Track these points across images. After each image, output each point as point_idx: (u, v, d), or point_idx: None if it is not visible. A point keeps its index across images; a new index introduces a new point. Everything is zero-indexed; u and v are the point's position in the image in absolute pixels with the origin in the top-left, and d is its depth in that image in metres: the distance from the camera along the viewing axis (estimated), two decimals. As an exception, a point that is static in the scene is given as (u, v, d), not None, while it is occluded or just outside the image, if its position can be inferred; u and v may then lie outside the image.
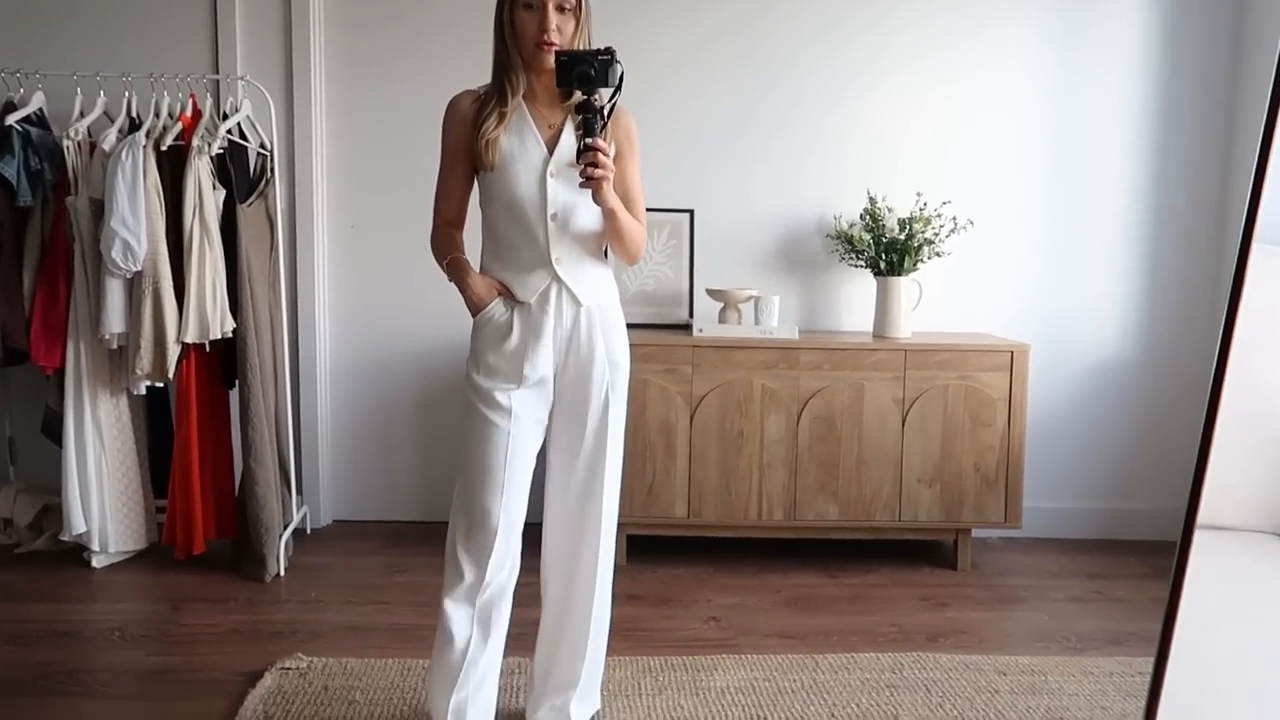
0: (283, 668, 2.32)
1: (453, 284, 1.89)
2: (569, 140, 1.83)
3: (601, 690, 2.12)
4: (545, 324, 1.84)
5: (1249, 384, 1.75)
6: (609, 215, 1.82)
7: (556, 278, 1.84)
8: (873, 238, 3.29)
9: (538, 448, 1.90)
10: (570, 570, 1.96)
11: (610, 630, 2.04)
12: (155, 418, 3.18)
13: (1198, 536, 1.61)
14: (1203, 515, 1.66)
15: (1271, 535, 1.73)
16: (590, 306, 1.88)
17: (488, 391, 1.84)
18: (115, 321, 2.84)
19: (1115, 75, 3.47)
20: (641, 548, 3.21)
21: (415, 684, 2.28)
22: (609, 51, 1.73)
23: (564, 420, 1.91)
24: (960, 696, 2.32)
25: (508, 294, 1.86)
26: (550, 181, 1.81)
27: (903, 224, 3.27)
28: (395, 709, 2.17)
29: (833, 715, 2.22)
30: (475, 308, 1.87)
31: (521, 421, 1.84)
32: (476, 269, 1.90)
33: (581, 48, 1.79)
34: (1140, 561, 3.34)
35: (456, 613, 1.83)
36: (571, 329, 1.86)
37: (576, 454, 1.91)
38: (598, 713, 2.11)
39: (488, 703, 1.89)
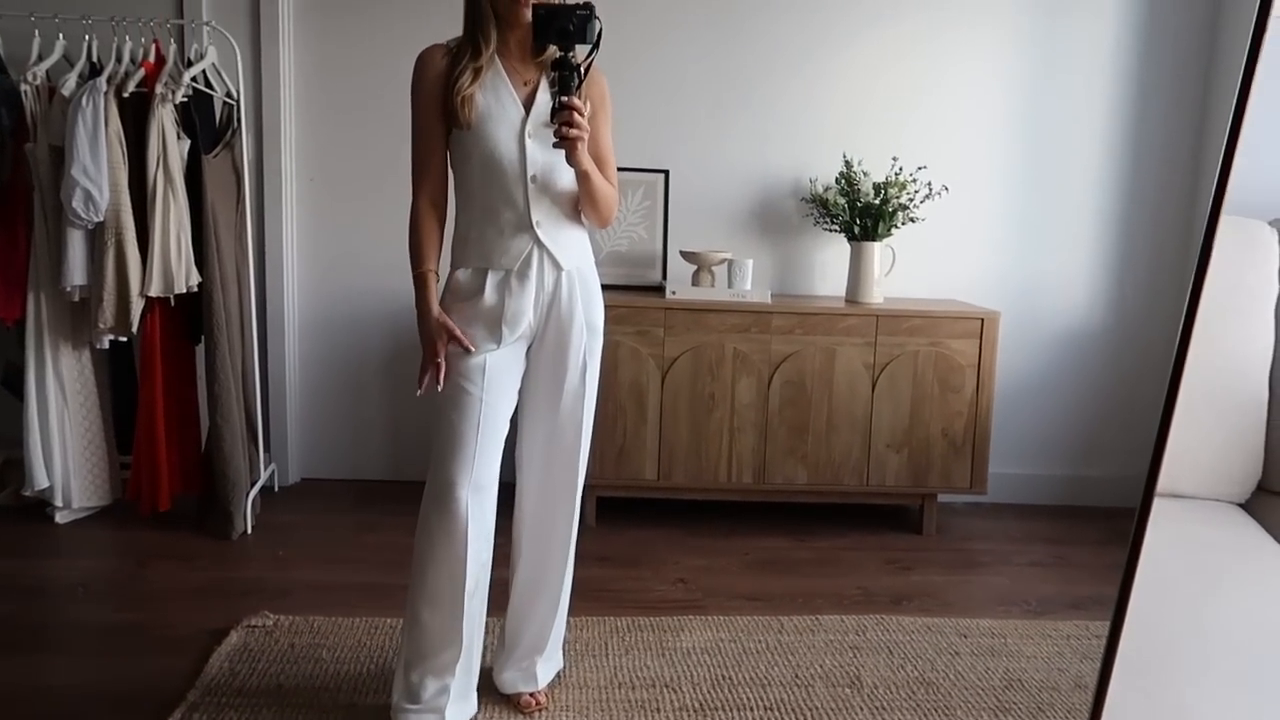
0: (249, 625, 2.31)
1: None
2: (544, 98, 1.79)
3: (564, 648, 2.14)
4: (527, 289, 1.81)
5: (1214, 355, 1.78)
6: (582, 177, 1.79)
7: (538, 241, 1.80)
8: (848, 202, 3.29)
9: (510, 412, 1.87)
10: (546, 536, 1.96)
11: (577, 591, 2.06)
12: (119, 373, 3.12)
13: (1157, 504, 1.64)
14: (1163, 483, 1.68)
15: (1228, 504, 1.77)
16: (570, 271, 1.85)
17: (461, 356, 1.80)
18: (77, 273, 2.78)
19: (1091, 43, 3.47)
20: (611, 509, 3.22)
21: (383, 643, 2.28)
22: (588, 7, 1.69)
23: (541, 385, 1.89)
24: (921, 658, 2.36)
25: (460, 343, 1.78)
26: (529, 141, 1.77)
27: (878, 189, 3.26)
28: (363, 667, 2.17)
29: (796, 676, 2.25)
30: (428, 351, 1.80)
31: (495, 386, 1.81)
32: (451, 229, 1.85)
33: (559, 2, 1.73)
34: (1101, 528, 3.40)
35: (436, 580, 1.80)
36: (553, 293, 1.84)
37: (554, 419, 1.90)
38: (560, 671, 2.14)
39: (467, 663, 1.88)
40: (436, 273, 1.83)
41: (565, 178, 1.82)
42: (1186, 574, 1.55)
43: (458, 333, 1.79)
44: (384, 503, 3.30)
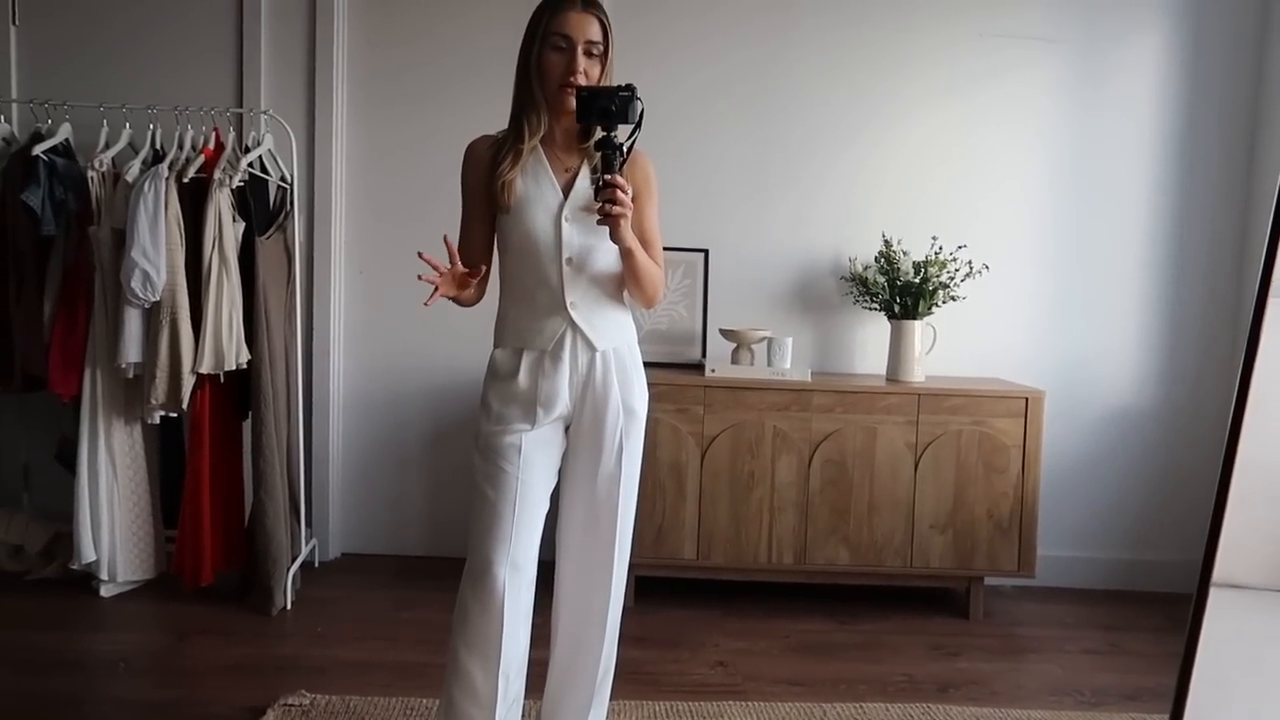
0: (285, 704, 2.30)
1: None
2: (584, 184, 1.83)
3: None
4: (560, 370, 1.83)
5: (1267, 437, 1.73)
6: (626, 254, 1.80)
7: (571, 323, 1.82)
8: (887, 280, 3.29)
9: (549, 492, 1.88)
10: (582, 619, 1.94)
11: (616, 673, 2.01)
12: (167, 447, 3.18)
13: (1214, 594, 1.58)
14: (1219, 573, 1.63)
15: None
16: (606, 351, 1.86)
17: (498, 435, 1.83)
18: (132, 351, 2.86)
19: (1133, 120, 3.48)
20: (650, 589, 3.19)
21: (424, 716, 2.26)
22: (629, 88, 1.72)
23: (578, 465, 1.90)
24: (970, 750, 2.29)
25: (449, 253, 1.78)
26: (565, 225, 1.81)
27: (917, 267, 3.27)
28: (397, 750, 2.14)
29: (840, 767, 2.18)
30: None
31: (532, 465, 1.82)
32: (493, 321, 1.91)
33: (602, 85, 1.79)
34: (1157, 614, 3.29)
35: (470, 660, 1.79)
36: (587, 374, 1.85)
37: (590, 501, 1.90)
38: None
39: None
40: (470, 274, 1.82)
41: (603, 260, 1.84)
42: (1245, 667, 1.49)
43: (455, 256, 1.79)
44: (422, 579, 3.29)
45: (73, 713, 2.26)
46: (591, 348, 1.84)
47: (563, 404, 1.85)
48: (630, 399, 1.89)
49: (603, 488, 1.88)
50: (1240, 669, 1.54)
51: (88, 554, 2.92)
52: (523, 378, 1.83)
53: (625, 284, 1.88)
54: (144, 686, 2.42)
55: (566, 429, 1.89)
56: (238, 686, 2.41)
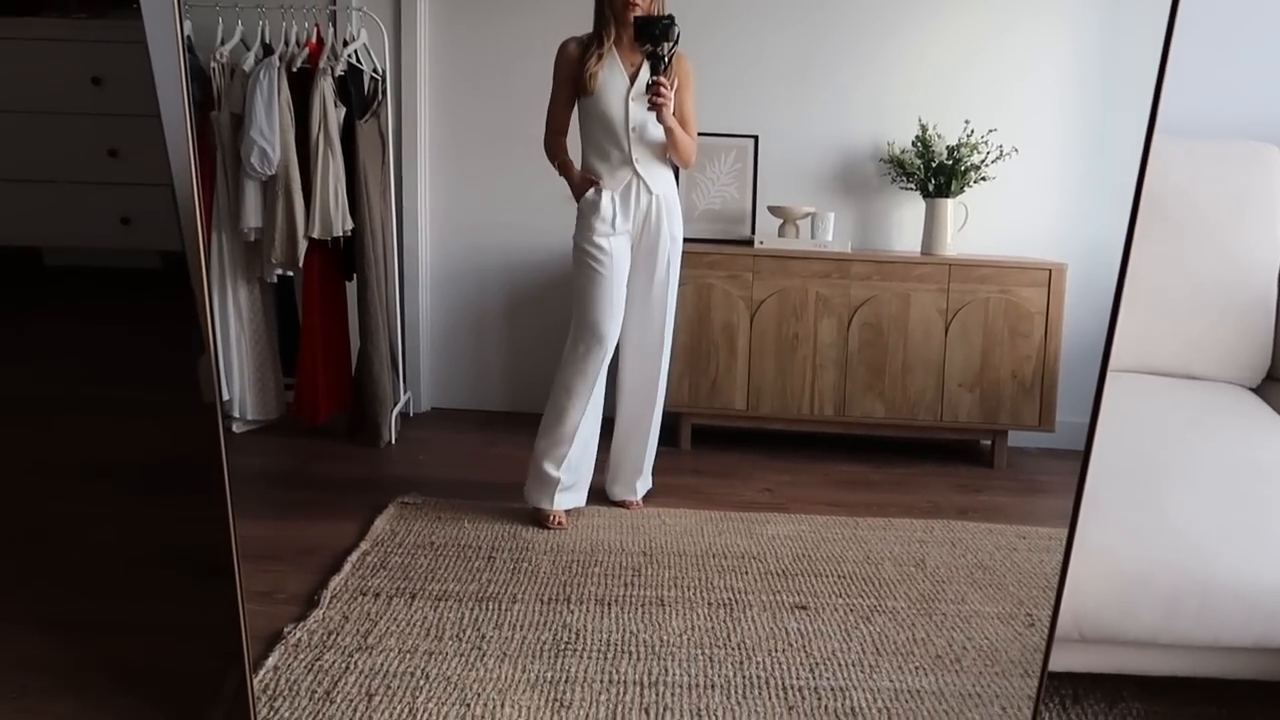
0: (402, 502, 2.76)
1: (561, 178, 2.66)
2: (644, 75, 2.54)
3: (652, 472, 2.95)
4: (629, 204, 2.57)
5: (1224, 256, 2.04)
6: (668, 132, 2.60)
7: (636, 173, 2.58)
8: (923, 162, 3.59)
9: (624, 287, 2.60)
10: (641, 387, 2.76)
11: (674, 491, 2.94)
12: (282, 308, 3.63)
13: (1169, 381, 1.91)
14: (1177, 365, 1.96)
15: (1238, 386, 2.02)
16: (659, 195, 2.65)
17: (593, 243, 2.55)
18: (253, 217, 3.28)
19: (1161, 10, 3.68)
20: (703, 436, 3.58)
21: (515, 517, 2.70)
22: (670, 18, 2.55)
23: (639, 276, 2.66)
24: (981, 550, 2.67)
25: (598, 183, 2.57)
26: (631, 104, 2.57)
27: (950, 150, 3.56)
28: (499, 531, 2.59)
29: (868, 557, 2.58)
30: (576, 194, 2.61)
31: (615, 260, 2.57)
32: (578, 165, 2.66)
33: (655, 14, 2.57)
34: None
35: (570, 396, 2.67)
36: (646, 210, 2.61)
37: (647, 299, 2.69)
38: (650, 488, 2.96)
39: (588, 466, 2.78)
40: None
41: (656, 131, 2.62)
42: (1187, 424, 1.83)
43: (590, 179, 2.62)
44: (503, 429, 3.72)
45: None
46: (649, 191, 2.60)
47: (632, 226, 2.58)
48: (674, 229, 2.71)
49: (656, 292, 2.67)
50: (1182, 425, 1.88)
51: (223, 393, 3.39)
52: (605, 207, 2.56)
53: (669, 150, 2.62)
54: (280, 491, 2.89)
55: (632, 248, 2.62)
56: (360, 491, 2.87)
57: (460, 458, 3.31)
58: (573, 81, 2.60)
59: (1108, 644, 1.68)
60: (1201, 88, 3.79)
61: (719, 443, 3.58)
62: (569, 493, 2.74)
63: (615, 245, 2.60)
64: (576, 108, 2.65)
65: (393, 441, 3.40)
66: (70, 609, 2.21)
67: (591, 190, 2.61)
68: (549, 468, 2.70)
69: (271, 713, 1.80)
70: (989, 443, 3.59)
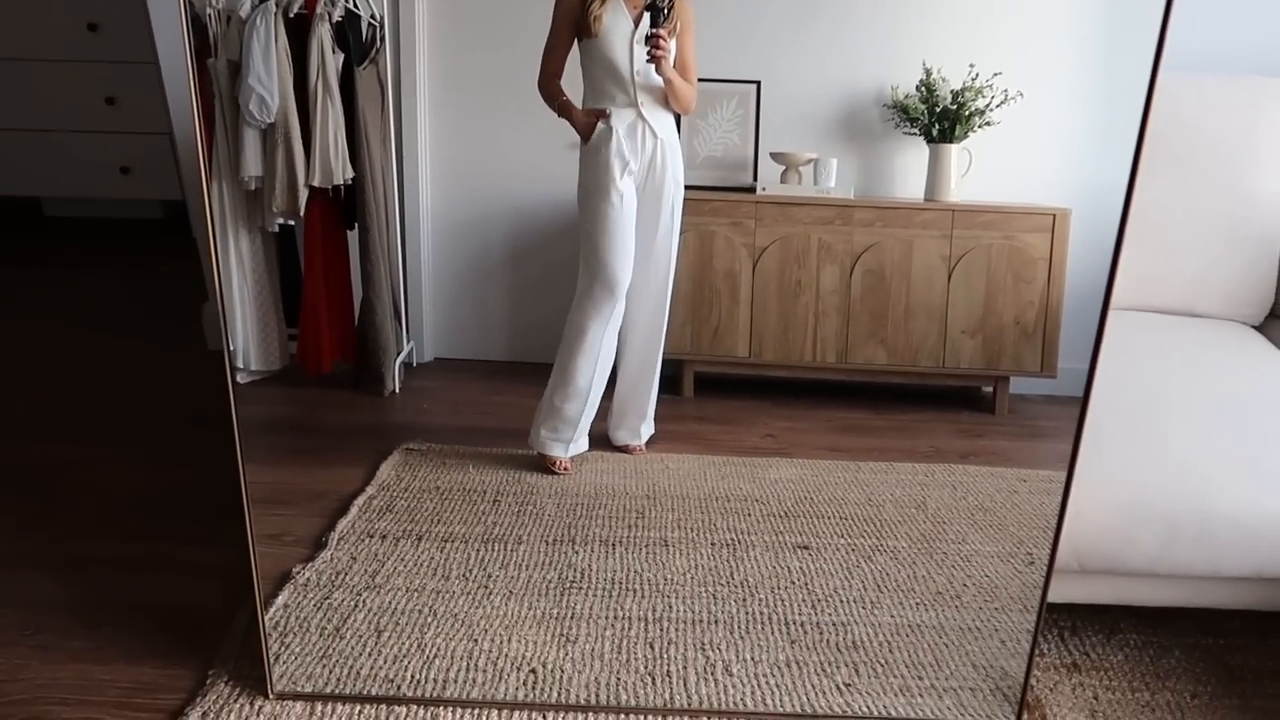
0: (407, 447, 2.78)
1: (562, 119, 2.63)
2: (647, 19, 2.52)
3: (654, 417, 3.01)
4: (635, 145, 2.56)
5: (1233, 194, 2.03)
6: (667, 83, 2.62)
7: (640, 115, 2.56)
8: (927, 107, 3.55)
9: (633, 229, 2.60)
10: (645, 333, 2.77)
11: (676, 436, 2.97)
12: (283, 258, 3.62)
13: (1171, 318, 1.92)
14: (1180, 303, 1.96)
15: (1241, 324, 2.02)
16: (662, 139, 2.66)
17: (602, 184, 2.56)
18: (253, 165, 3.26)
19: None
20: (707, 384, 3.59)
21: (519, 464, 2.72)
22: None
23: (645, 219, 2.65)
24: (982, 493, 2.69)
25: (605, 117, 2.55)
26: (635, 47, 2.55)
27: (955, 95, 3.52)
28: (503, 476, 2.61)
29: (869, 499, 2.61)
30: (584, 132, 2.60)
31: (625, 200, 2.57)
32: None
33: None
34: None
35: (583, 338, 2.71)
36: (651, 153, 2.60)
37: (652, 245, 2.68)
38: (653, 433, 3.01)
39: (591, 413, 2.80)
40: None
41: (658, 76, 2.62)
42: (1189, 359, 1.84)
43: (596, 113, 2.61)
44: (506, 378, 3.73)
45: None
46: (654, 134, 2.59)
47: (637, 168, 2.58)
48: (677, 173, 2.75)
49: (661, 236, 2.68)
50: (1181, 359, 1.88)
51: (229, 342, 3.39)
52: (612, 147, 2.56)
53: (668, 96, 2.62)
54: (286, 439, 2.91)
55: (634, 190, 2.62)
56: (365, 438, 2.90)
57: (464, 406, 3.33)
58: (574, 24, 2.58)
59: (1107, 575, 1.70)
60: (1211, 22, 3.76)
61: (721, 390, 3.59)
62: (575, 439, 2.78)
63: (625, 184, 2.62)
64: (577, 50, 2.63)
65: (396, 391, 3.41)
66: (84, 550, 2.24)
67: (600, 122, 2.60)
68: (556, 414, 2.75)
69: (283, 648, 1.83)
70: (991, 389, 3.60)
